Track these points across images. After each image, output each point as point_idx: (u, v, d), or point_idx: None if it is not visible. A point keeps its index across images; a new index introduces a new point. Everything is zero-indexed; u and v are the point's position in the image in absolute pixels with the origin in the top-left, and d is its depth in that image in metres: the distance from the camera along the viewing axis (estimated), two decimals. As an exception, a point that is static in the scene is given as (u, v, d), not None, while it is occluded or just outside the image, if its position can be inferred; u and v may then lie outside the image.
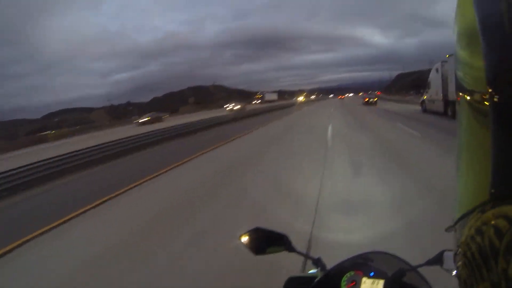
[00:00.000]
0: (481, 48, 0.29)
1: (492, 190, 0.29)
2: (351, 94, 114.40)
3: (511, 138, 0.27)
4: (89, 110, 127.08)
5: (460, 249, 0.32)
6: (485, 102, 0.29)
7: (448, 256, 0.76)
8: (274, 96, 69.67)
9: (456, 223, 0.36)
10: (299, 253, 0.84)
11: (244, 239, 0.84)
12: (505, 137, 0.28)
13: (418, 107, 16.12)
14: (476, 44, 0.30)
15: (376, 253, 0.77)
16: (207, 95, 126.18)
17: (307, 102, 53.77)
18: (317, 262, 0.80)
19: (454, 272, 0.73)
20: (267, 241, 0.83)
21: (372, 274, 0.71)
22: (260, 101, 65.55)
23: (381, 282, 0.69)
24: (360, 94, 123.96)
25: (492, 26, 0.29)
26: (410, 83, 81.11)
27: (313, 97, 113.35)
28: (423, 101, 14.73)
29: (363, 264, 0.75)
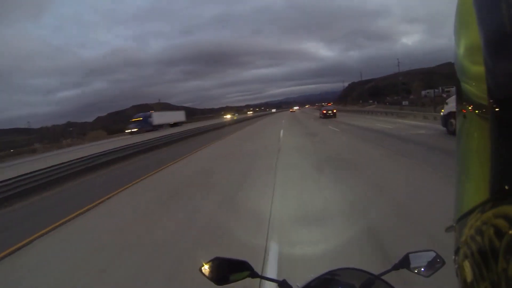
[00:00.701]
0: (482, 57, 0.29)
1: (492, 190, 0.28)
2: (296, 107, 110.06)
3: (510, 139, 0.27)
4: (27, 131, 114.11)
5: (460, 249, 0.32)
6: (485, 104, 0.29)
7: (414, 257, 0.81)
8: (176, 117, 37.67)
9: (456, 223, 0.35)
10: (263, 277, 0.83)
11: (205, 269, 0.80)
12: (504, 138, 0.28)
13: (397, 123, 12.97)
14: (478, 54, 0.30)
15: (341, 269, 0.77)
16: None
17: (242, 122, 37.94)
18: (283, 285, 0.79)
19: (422, 270, 0.78)
20: (228, 269, 0.81)
21: None
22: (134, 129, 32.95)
23: None
24: (313, 106, 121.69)
25: (492, 27, 0.29)
26: (367, 91, 76.36)
27: (249, 113, 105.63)
28: (447, 116, 8.79)
29: (330, 280, 0.75)
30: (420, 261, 0.80)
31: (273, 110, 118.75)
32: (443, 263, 0.79)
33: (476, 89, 0.33)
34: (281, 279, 0.80)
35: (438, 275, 0.79)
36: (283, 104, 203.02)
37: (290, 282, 0.80)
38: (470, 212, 0.32)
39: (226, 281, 0.80)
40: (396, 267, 0.79)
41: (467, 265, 0.30)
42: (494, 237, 0.26)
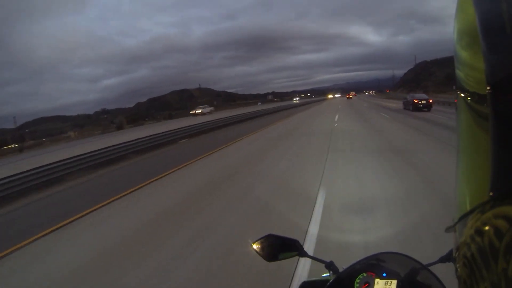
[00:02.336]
0: (481, 48, 0.29)
1: (492, 191, 0.29)
2: (338, 95, 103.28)
3: (510, 138, 0.28)
4: (67, 119, 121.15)
5: (460, 249, 0.32)
6: (485, 104, 0.29)
7: None
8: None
9: (456, 223, 0.36)
10: (311, 257, 0.85)
11: (256, 246, 0.83)
12: (505, 138, 0.28)
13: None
14: (477, 44, 0.30)
15: (387, 253, 0.76)
16: (190, 98, 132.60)
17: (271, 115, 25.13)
18: (330, 266, 0.81)
19: None
20: (279, 247, 0.83)
21: (384, 275, 0.71)
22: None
23: (394, 283, 0.69)
24: (366, 92, 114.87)
25: (492, 26, 0.29)
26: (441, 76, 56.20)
27: (296, 99, 75.49)
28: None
29: (375, 265, 0.74)
30: None
31: (330, 96, 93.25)
32: None
33: (474, 81, 0.32)
34: (328, 260, 0.82)
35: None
36: (328, 91, 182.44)
37: (336, 264, 0.81)
38: (470, 212, 0.32)
39: (275, 258, 0.83)
40: (442, 260, 0.77)
41: (467, 265, 0.30)
42: (494, 237, 0.26)
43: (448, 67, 53.51)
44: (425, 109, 15.38)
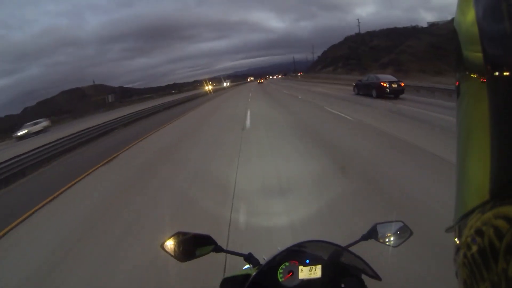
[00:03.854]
0: (481, 47, 0.30)
1: (492, 191, 0.29)
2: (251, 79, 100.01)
3: (510, 139, 0.28)
4: None
5: (460, 250, 0.32)
6: (485, 104, 0.30)
7: (382, 228, 0.80)
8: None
9: (456, 223, 0.36)
10: (228, 251, 0.82)
11: (166, 246, 0.76)
12: (504, 139, 0.28)
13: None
14: (478, 49, 0.30)
15: (307, 242, 0.75)
16: (82, 98, 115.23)
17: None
18: (249, 258, 0.79)
19: (391, 242, 0.78)
20: (192, 244, 0.78)
21: (307, 261, 0.71)
22: None
23: (318, 267, 0.70)
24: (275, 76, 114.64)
25: (492, 26, 0.29)
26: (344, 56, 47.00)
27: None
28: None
29: (296, 253, 0.73)
30: (388, 231, 0.81)
31: (225, 84, 76.28)
32: (411, 233, 0.80)
33: (479, 76, 0.32)
34: (246, 252, 0.79)
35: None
36: (231, 78, 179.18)
37: (256, 255, 0.79)
38: (470, 212, 0.32)
39: (190, 257, 0.77)
40: (364, 238, 0.80)
41: (467, 265, 0.30)
42: (494, 237, 0.26)
43: (400, 39, 38.53)
44: (392, 95, 11.88)
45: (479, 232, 0.29)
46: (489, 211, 0.29)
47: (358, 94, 14.11)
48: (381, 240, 0.81)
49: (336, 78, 33.59)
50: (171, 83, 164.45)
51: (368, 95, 12.95)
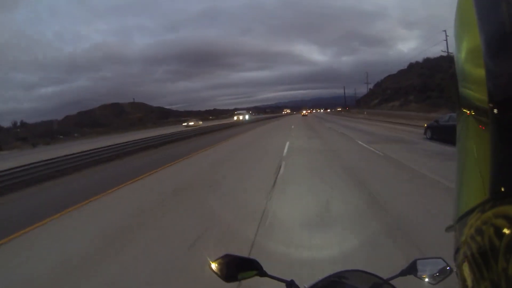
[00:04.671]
0: (482, 50, 0.29)
1: (492, 190, 0.29)
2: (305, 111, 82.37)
3: (510, 139, 0.28)
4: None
5: (460, 249, 0.32)
6: (485, 107, 0.29)
7: (422, 264, 0.80)
8: None
9: (456, 222, 0.36)
10: (271, 276, 0.83)
11: (215, 266, 0.81)
12: (504, 138, 0.28)
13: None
14: (479, 57, 0.30)
15: (349, 271, 0.77)
16: (121, 114, 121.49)
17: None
18: (291, 286, 0.80)
19: (429, 277, 0.77)
20: (237, 267, 0.81)
21: None
22: None
23: None
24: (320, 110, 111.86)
25: (492, 28, 0.29)
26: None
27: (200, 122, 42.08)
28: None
29: (337, 283, 0.74)
30: (427, 268, 0.80)
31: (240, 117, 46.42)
32: (451, 271, 0.79)
33: (477, 93, 0.33)
34: (289, 279, 0.81)
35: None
36: (273, 109, 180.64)
37: (297, 282, 0.80)
38: (470, 211, 0.32)
39: (234, 278, 0.81)
40: (403, 273, 0.79)
41: (467, 264, 0.30)
42: (494, 236, 0.26)
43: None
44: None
45: (479, 231, 0.29)
46: (489, 210, 0.29)
47: (431, 138, 10.55)
48: (420, 277, 0.79)
49: (397, 116, 27.14)
50: (211, 108, 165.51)
51: (447, 141, 9.10)
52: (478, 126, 0.34)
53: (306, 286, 0.78)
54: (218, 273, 0.81)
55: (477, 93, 0.33)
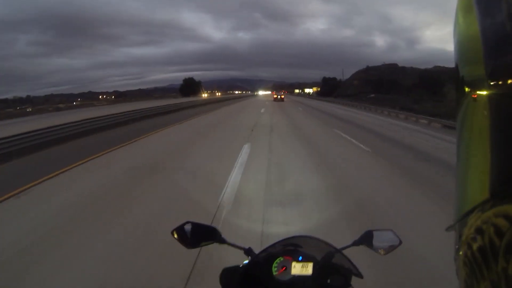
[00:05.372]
0: (482, 48, 0.29)
1: (492, 190, 0.29)
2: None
3: (510, 138, 0.28)
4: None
5: (460, 249, 0.32)
6: (486, 104, 0.30)
7: (373, 235, 0.83)
8: None
9: (456, 222, 0.35)
10: (230, 244, 0.86)
11: (176, 233, 0.84)
12: (505, 137, 0.28)
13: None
14: (478, 49, 0.30)
15: (303, 237, 0.80)
16: None
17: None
18: (249, 252, 0.83)
19: (379, 248, 0.81)
20: (198, 234, 0.85)
21: (300, 258, 0.75)
22: None
23: (310, 265, 0.75)
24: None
25: (492, 27, 0.29)
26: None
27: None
28: None
29: (291, 249, 0.78)
30: (378, 239, 0.84)
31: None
32: (400, 242, 0.83)
33: (475, 83, 0.33)
34: (246, 246, 0.84)
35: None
36: (164, 92, 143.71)
37: (255, 250, 0.83)
38: (471, 211, 0.32)
39: (196, 245, 0.86)
40: (356, 243, 0.83)
41: (467, 264, 0.30)
42: (495, 236, 0.26)
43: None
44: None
45: (479, 231, 0.29)
46: (489, 209, 0.29)
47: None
48: (372, 247, 0.84)
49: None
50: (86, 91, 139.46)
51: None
52: (478, 126, 0.34)
53: (260, 251, 0.80)
54: (180, 240, 0.84)
55: (479, 76, 0.32)
